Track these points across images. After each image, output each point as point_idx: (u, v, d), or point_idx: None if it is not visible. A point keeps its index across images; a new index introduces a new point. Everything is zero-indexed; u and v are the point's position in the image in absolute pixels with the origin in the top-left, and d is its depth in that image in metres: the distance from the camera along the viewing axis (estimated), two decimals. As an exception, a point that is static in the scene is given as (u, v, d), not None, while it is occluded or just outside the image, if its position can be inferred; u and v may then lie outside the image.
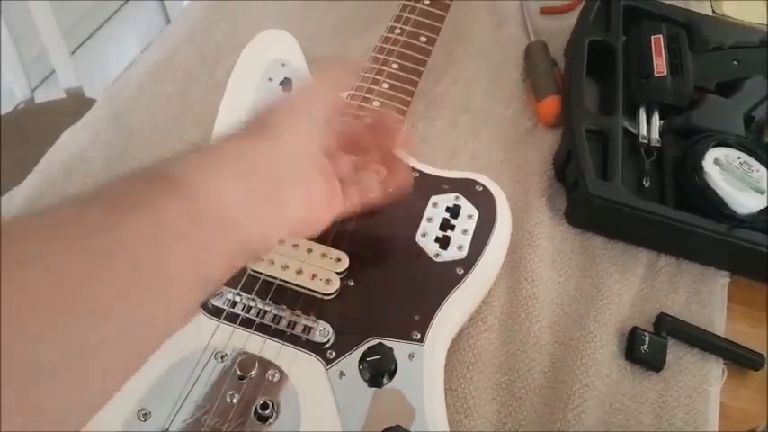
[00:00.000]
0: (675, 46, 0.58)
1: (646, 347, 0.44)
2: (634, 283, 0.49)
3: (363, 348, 0.38)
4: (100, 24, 1.43)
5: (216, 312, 0.39)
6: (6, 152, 0.83)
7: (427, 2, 0.59)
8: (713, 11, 0.71)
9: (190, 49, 0.62)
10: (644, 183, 0.52)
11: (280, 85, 0.53)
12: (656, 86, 0.55)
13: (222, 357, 0.37)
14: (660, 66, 0.57)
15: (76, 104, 0.93)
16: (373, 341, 0.39)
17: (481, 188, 0.48)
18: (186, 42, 0.62)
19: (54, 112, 0.91)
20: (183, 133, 0.54)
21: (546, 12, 0.70)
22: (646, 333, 0.45)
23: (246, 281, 0.41)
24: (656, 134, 0.55)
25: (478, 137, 0.58)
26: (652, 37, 0.59)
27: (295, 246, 0.43)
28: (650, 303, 0.48)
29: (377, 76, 0.53)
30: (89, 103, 0.95)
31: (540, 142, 0.57)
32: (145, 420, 0.35)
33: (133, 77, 0.58)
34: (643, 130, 0.55)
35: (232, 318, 0.39)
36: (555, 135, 0.58)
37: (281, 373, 0.37)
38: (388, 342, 0.38)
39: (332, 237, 0.43)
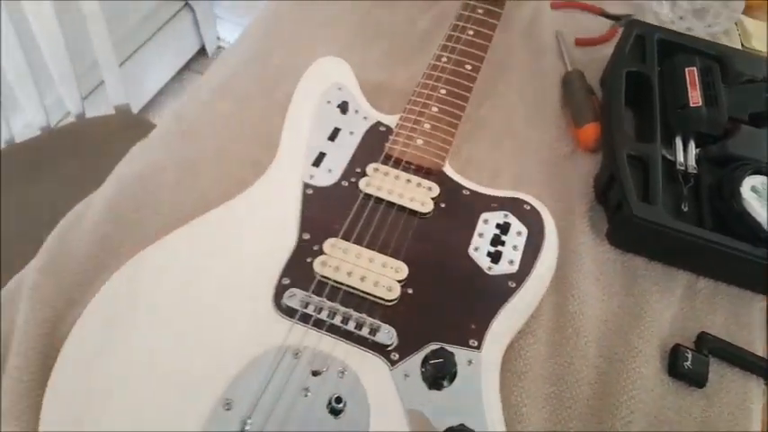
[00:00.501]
0: (709, 78, 0.61)
1: (689, 364, 0.46)
2: (674, 303, 0.51)
3: (425, 352, 0.41)
4: (137, 48, 1.49)
5: (290, 313, 0.42)
6: (59, 163, 0.86)
7: (471, 33, 0.63)
8: (742, 45, 0.75)
9: (247, 73, 0.65)
10: (682, 207, 0.55)
11: (337, 107, 0.57)
12: (692, 116, 0.58)
13: (296, 354, 0.40)
14: (695, 97, 0.60)
15: (125, 121, 0.97)
16: (434, 346, 0.41)
17: (529, 207, 0.50)
18: (244, 67, 0.66)
19: (104, 127, 0.95)
20: (246, 148, 0.57)
21: (580, 43, 0.73)
22: (688, 350, 0.47)
23: (317, 285, 0.43)
24: (692, 161, 0.57)
25: (519, 159, 0.61)
26: (686, 69, 0.62)
27: (357, 255, 0.45)
28: (690, 323, 0.50)
29: (427, 101, 0.57)
30: (137, 119, 1.00)
31: (579, 166, 0.60)
32: (228, 410, 0.37)
33: (197, 97, 0.62)
34: (680, 158, 0.58)
35: (305, 318, 0.42)
36: (593, 160, 0.61)
37: (351, 371, 0.39)
38: (448, 347, 0.41)
39: (391, 248, 0.46)
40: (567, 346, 0.47)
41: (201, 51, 1.69)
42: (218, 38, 1.71)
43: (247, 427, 0.37)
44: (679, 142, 0.59)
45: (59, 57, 0.86)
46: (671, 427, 0.44)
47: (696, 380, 0.46)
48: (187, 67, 1.67)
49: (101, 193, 0.54)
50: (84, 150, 0.90)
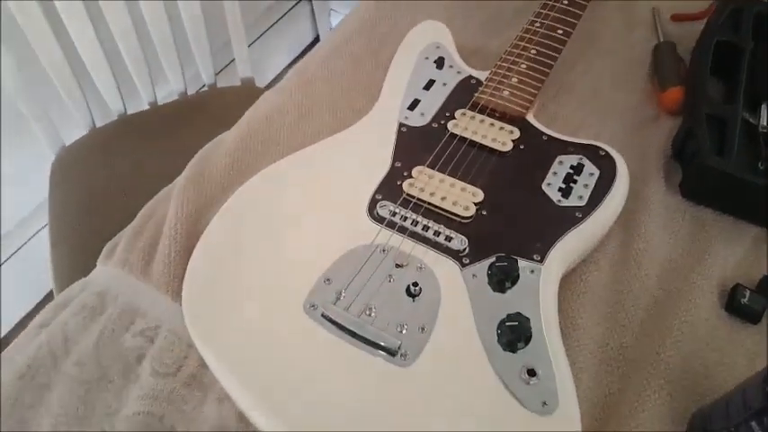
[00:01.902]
0: (804, 50, 0.62)
1: (746, 301, 0.49)
2: (739, 252, 0.53)
3: (492, 259, 0.47)
4: (258, 35, 1.65)
5: (380, 220, 0.50)
6: (194, 122, 1.01)
7: (566, 2, 0.68)
8: None
9: (359, 39, 0.75)
10: (759, 165, 0.57)
11: (434, 62, 0.64)
12: (781, 82, 0.60)
13: (383, 251, 0.48)
14: (787, 65, 0.61)
15: (250, 91, 1.11)
16: (501, 254, 0.47)
17: (604, 153, 0.55)
18: (357, 33, 0.75)
19: (232, 96, 1.10)
20: (353, 98, 0.66)
21: (675, 18, 0.75)
22: (747, 290, 0.49)
23: (403, 201, 0.51)
24: (775, 126, 0.59)
25: (602, 119, 0.65)
26: (781, 40, 0.63)
27: (441, 180, 0.53)
28: (754, 270, 0.52)
29: (517, 59, 0.63)
30: (260, 92, 1.13)
31: (660, 128, 0.63)
32: (328, 284, 0.46)
33: (316, 56, 0.72)
34: (763, 121, 0.59)
35: (392, 225, 0.50)
36: (675, 123, 0.63)
37: (427, 267, 0.47)
38: (513, 256, 0.47)
39: (470, 177, 0.53)
40: (627, 275, 0.51)
41: (315, 41, 1.83)
42: (331, 30, 1.84)
43: (341, 298, 0.45)
44: (764, 108, 0.60)
45: (200, 35, 1.00)
46: (721, 354, 0.47)
47: (751, 316, 0.48)
48: (302, 55, 1.82)
49: (236, 128, 0.65)
50: (215, 113, 1.05)
